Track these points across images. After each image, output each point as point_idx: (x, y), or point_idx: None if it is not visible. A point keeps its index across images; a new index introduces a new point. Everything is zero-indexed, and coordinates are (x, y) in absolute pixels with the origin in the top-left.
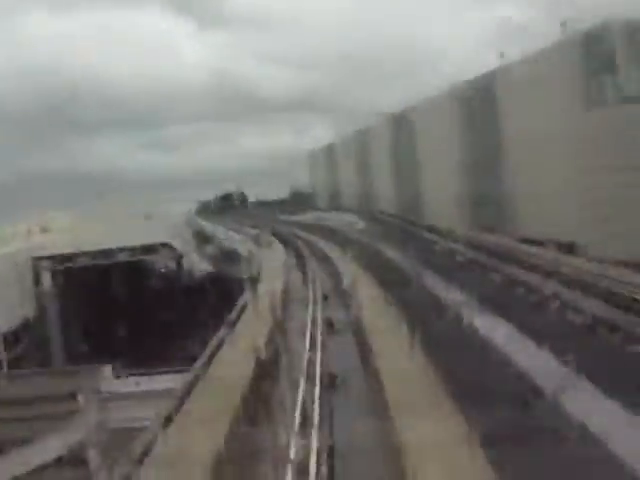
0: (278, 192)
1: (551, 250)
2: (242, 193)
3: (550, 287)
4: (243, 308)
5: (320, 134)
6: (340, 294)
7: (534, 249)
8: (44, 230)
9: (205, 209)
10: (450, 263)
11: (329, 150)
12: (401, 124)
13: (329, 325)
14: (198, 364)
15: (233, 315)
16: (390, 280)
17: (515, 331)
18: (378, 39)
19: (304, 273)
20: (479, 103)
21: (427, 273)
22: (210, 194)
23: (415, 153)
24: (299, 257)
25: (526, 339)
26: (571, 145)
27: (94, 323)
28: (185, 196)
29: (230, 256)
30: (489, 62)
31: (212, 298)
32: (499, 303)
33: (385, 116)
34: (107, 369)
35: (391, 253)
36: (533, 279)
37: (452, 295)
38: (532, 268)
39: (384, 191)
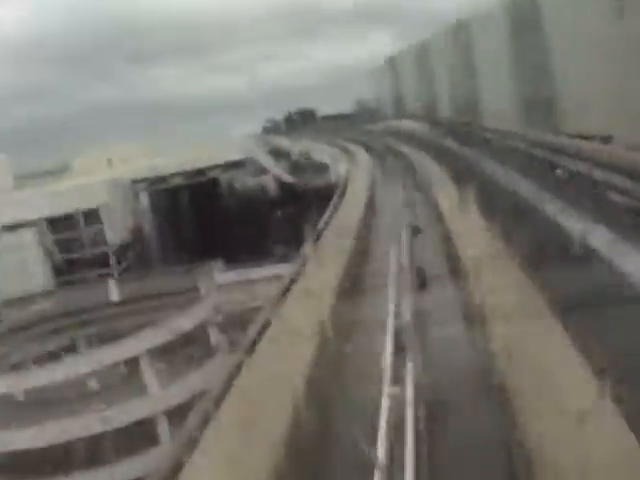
0: (343, 106)
1: (593, 141)
2: (310, 110)
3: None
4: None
5: (382, 44)
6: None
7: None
8: (123, 160)
9: (276, 128)
10: (484, 146)
11: (391, 63)
12: (457, 35)
13: None
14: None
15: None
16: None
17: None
18: None
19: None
20: (527, 14)
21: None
22: (277, 114)
23: (472, 61)
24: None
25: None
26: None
27: (190, 232)
28: (254, 117)
29: (312, 167)
30: None
31: (299, 205)
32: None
33: (442, 27)
34: (218, 264)
35: (445, 143)
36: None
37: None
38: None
39: (445, 98)
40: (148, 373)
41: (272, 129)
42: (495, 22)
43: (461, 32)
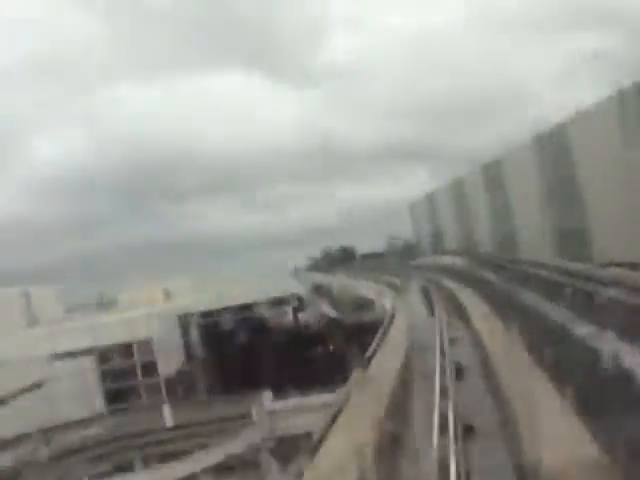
0: (380, 243)
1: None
2: (350, 247)
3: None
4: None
5: (416, 181)
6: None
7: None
8: (169, 295)
9: (316, 265)
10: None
11: (428, 199)
12: (491, 173)
13: None
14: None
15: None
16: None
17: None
18: (466, 83)
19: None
20: (555, 153)
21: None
22: (313, 250)
23: (506, 197)
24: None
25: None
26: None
27: (238, 365)
28: (287, 254)
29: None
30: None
31: (342, 339)
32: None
33: (477, 165)
34: (268, 393)
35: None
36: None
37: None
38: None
39: (481, 233)
40: None
41: (313, 267)
42: (525, 159)
43: (494, 169)
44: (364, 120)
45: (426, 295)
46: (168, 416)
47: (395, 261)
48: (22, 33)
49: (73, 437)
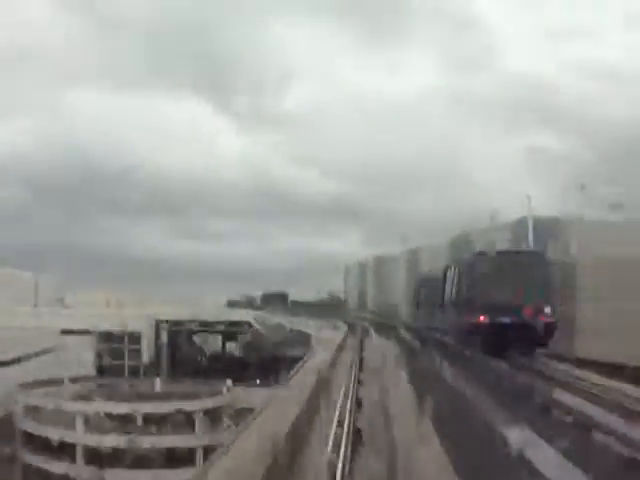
0: (311, 294)
1: None
2: (283, 293)
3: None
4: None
5: (350, 239)
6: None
7: None
8: (119, 304)
9: (250, 303)
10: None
11: (360, 267)
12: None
13: None
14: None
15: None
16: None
17: None
18: (411, 153)
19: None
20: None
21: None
22: (241, 289)
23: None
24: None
25: None
26: None
27: (192, 365)
28: (220, 288)
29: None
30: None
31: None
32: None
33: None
34: (229, 381)
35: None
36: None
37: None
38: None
39: (395, 301)
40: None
41: (249, 304)
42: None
43: (409, 258)
44: (311, 172)
45: (352, 329)
46: (158, 385)
47: (332, 311)
48: None
49: (87, 386)
